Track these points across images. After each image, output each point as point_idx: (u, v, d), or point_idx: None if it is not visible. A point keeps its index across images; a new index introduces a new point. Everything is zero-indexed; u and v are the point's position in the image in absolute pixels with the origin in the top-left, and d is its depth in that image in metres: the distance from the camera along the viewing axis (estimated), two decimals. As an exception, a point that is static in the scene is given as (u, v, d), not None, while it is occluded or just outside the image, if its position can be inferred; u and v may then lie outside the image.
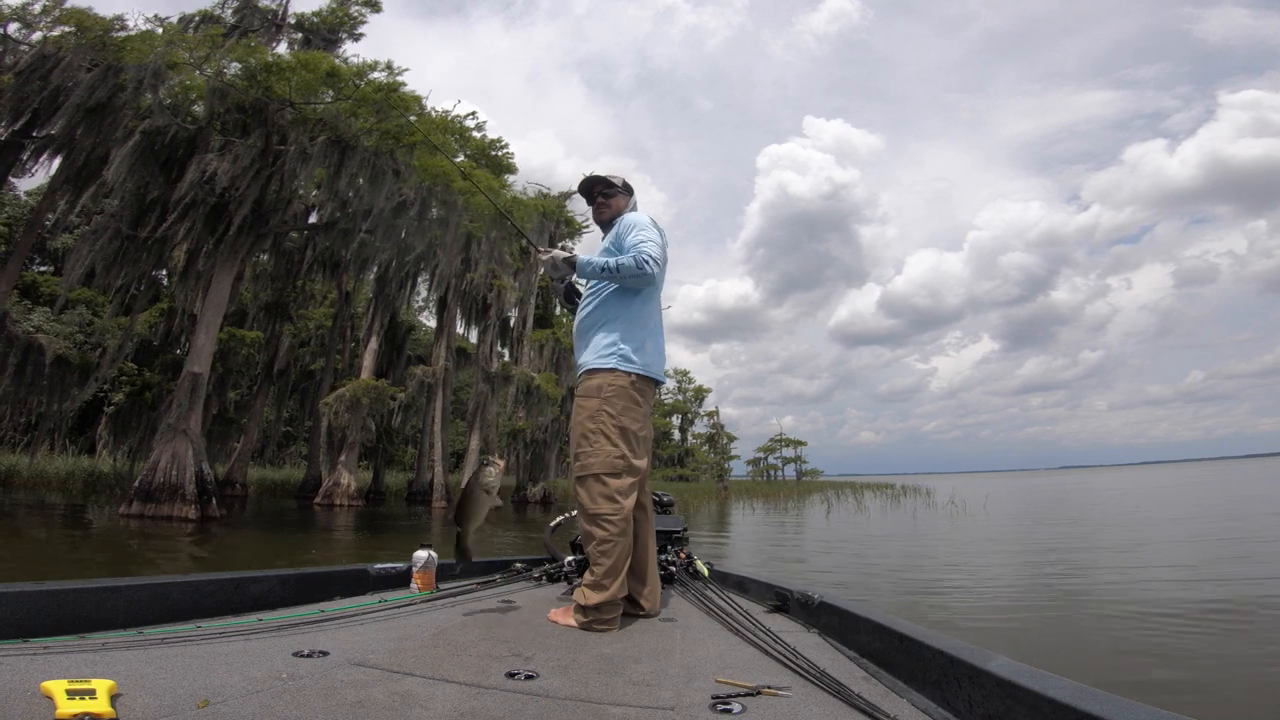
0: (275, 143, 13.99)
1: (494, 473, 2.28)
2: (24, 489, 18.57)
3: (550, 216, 24.44)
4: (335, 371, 23.90)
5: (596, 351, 2.37)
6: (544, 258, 2.50)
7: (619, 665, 1.63)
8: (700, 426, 47.35)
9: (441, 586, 2.54)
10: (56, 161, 14.69)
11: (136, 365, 20.99)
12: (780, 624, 2.20)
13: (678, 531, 3.17)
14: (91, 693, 1.05)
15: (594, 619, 2.07)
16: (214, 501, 13.10)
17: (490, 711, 1.22)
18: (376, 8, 20.50)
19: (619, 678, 1.51)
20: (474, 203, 15.06)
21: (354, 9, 20.17)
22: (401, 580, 2.58)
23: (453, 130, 16.26)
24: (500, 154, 20.82)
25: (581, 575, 2.57)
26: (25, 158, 14.71)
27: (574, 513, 2.57)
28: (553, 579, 2.94)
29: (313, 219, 18.45)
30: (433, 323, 26.15)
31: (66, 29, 13.60)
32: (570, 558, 2.85)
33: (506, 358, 26.79)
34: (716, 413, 46.94)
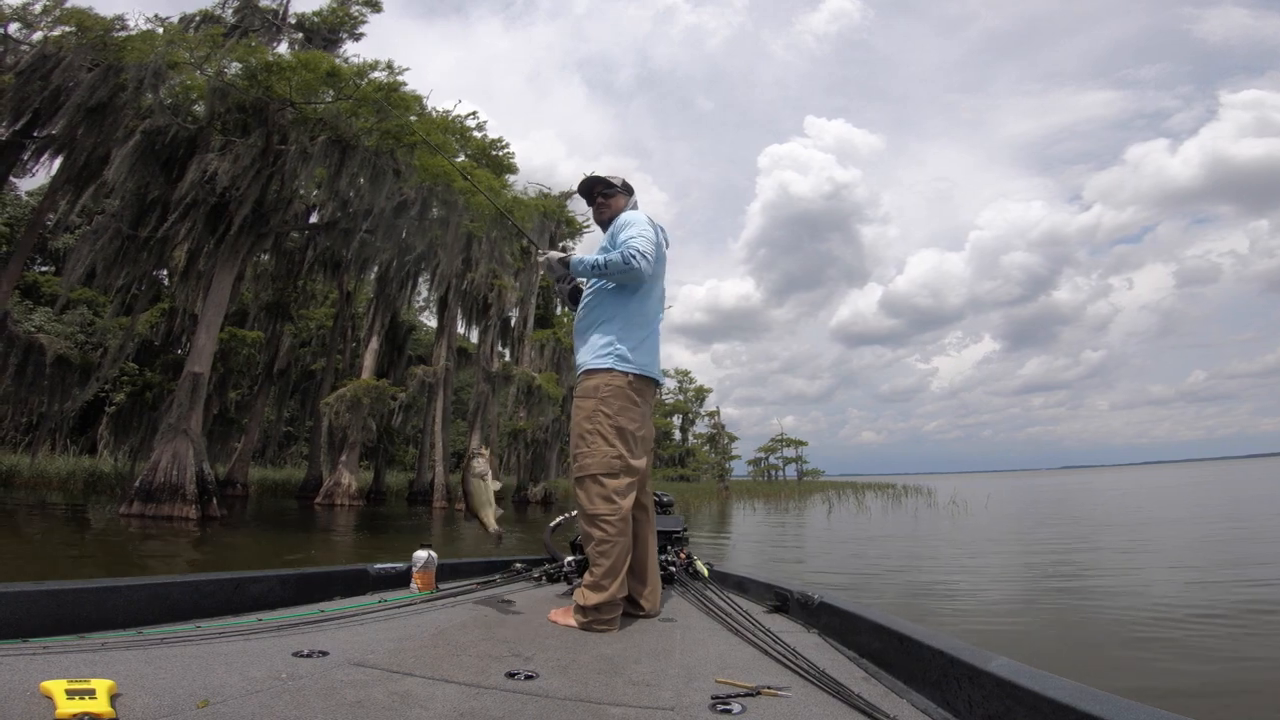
0: (276, 142, 13.99)
1: (482, 461, 2.45)
2: (25, 489, 18.57)
3: (551, 216, 24.43)
4: (336, 371, 23.90)
5: (593, 351, 2.37)
6: (540, 259, 2.52)
7: (619, 665, 1.63)
8: (701, 426, 47.46)
9: (441, 586, 2.54)
10: (57, 161, 14.70)
11: (137, 365, 21.01)
12: (780, 624, 2.20)
13: (678, 531, 3.17)
14: (91, 693, 1.05)
15: (594, 619, 2.08)
16: (214, 501, 13.09)
17: (490, 711, 1.22)
18: (377, 8, 20.54)
19: (619, 678, 1.51)
20: (475, 202, 15.06)
21: (354, 9, 20.21)
22: (401, 580, 2.58)
23: (453, 130, 16.26)
24: (501, 154, 20.80)
25: (581, 575, 2.57)
26: (26, 158, 14.71)
27: (574, 513, 2.57)
28: (553, 579, 2.94)
29: (313, 219, 18.45)
30: (433, 323, 26.17)
31: (67, 29, 13.58)
32: (570, 558, 2.86)
33: (507, 358, 26.80)
34: (717, 413, 47.05)
